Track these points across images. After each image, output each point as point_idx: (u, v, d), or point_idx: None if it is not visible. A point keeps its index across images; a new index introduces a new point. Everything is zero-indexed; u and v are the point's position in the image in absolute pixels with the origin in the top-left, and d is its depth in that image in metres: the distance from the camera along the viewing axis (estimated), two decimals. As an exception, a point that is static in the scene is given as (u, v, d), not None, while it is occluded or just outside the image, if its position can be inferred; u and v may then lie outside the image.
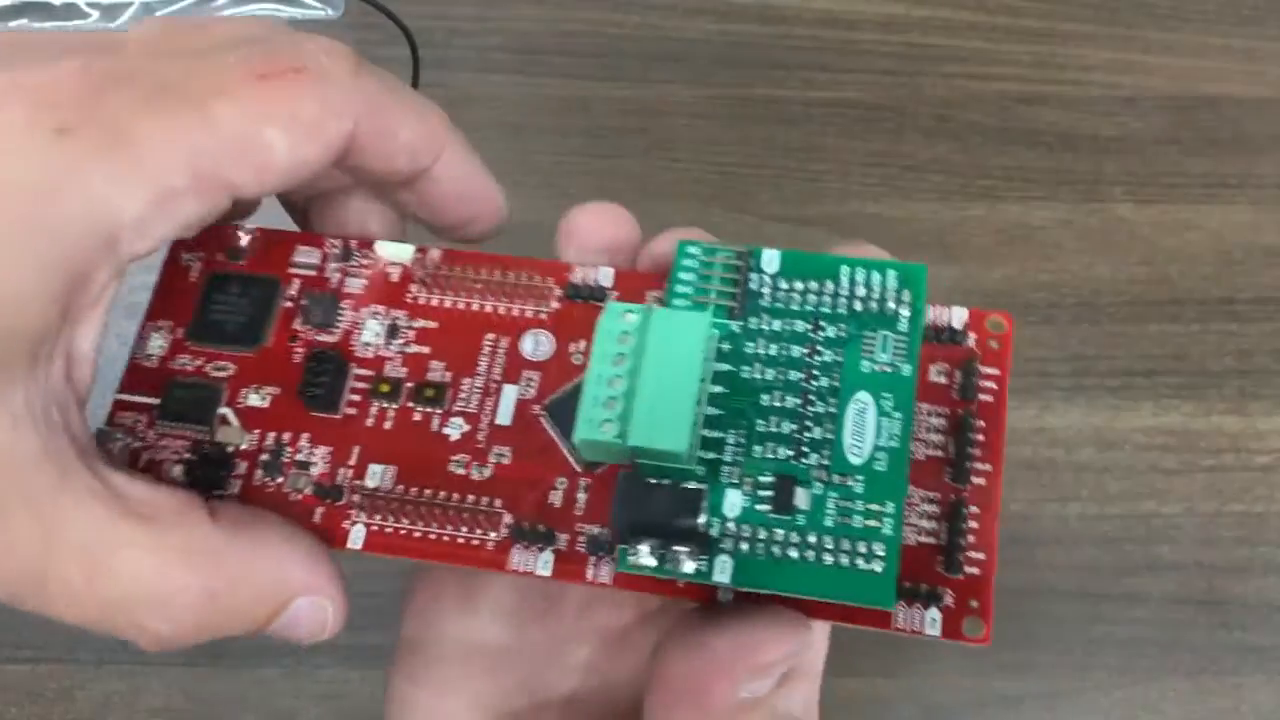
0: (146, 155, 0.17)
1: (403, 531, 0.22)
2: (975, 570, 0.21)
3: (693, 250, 0.22)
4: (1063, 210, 0.42)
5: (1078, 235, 0.41)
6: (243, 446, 0.22)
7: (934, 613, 0.20)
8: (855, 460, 0.21)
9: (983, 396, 0.21)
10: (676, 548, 0.20)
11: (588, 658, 0.27)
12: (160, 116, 0.17)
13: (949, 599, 0.21)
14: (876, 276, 0.22)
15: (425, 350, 0.23)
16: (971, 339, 0.22)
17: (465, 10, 0.43)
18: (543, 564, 0.21)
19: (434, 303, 0.23)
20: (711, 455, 0.21)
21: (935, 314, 0.22)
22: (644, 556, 0.20)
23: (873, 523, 0.20)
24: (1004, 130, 0.42)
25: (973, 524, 0.21)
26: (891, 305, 0.21)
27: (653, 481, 0.20)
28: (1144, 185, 0.42)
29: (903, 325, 0.21)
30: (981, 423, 0.21)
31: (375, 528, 0.22)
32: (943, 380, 0.22)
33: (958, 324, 0.22)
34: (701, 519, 0.20)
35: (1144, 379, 0.40)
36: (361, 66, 0.20)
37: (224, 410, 0.22)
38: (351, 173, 0.21)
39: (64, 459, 0.18)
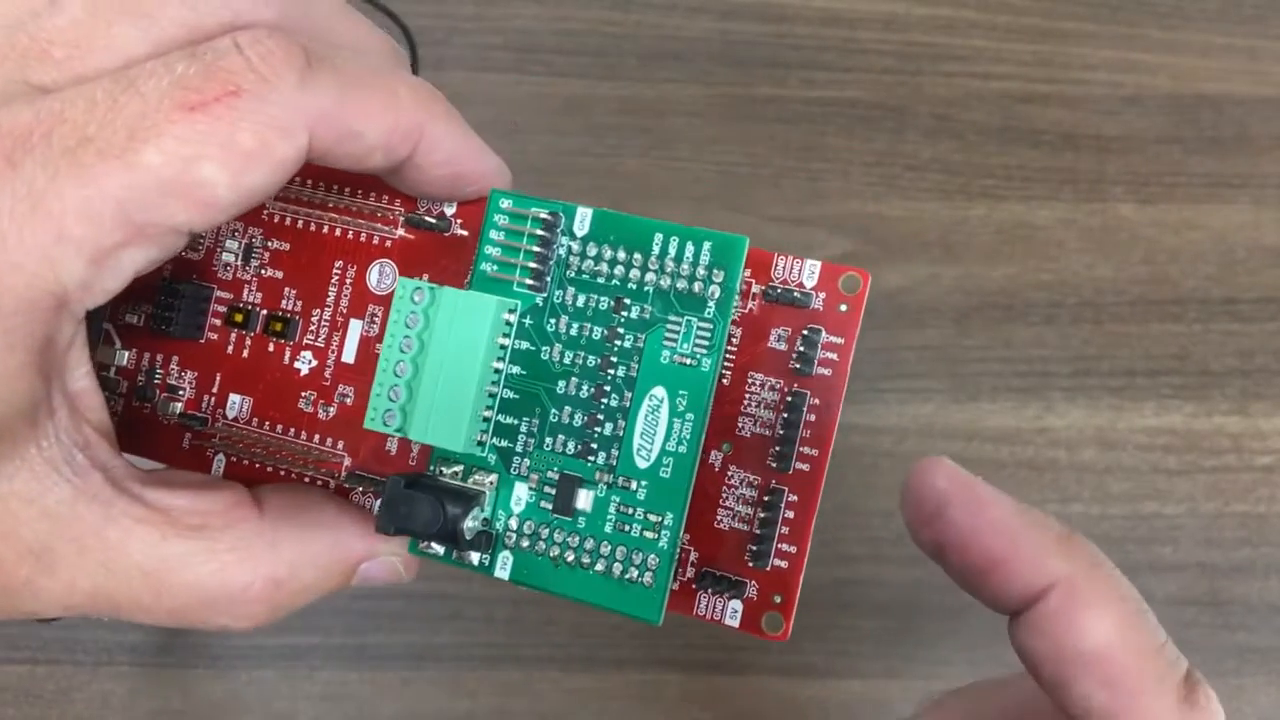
0: (71, 223, 0.16)
1: (257, 465, 0.22)
2: (783, 564, 0.20)
3: (505, 204, 0.21)
4: (1064, 210, 0.41)
5: (1079, 235, 0.41)
6: (121, 364, 0.23)
7: (735, 604, 0.20)
8: (641, 464, 0.20)
9: (821, 370, 0.20)
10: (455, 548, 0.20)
11: None
12: (81, 176, 0.16)
13: (752, 591, 0.20)
14: (690, 248, 0.20)
15: (279, 275, 0.22)
16: (820, 300, 0.20)
17: (464, 9, 0.43)
18: (377, 508, 0.21)
19: (288, 221, 0.22)
20: (504, 443, 0.21)
21: (785, 267, 0.20)
22: (433, 546, 0.21)
23: (650, 534, 0.20)
24: (1005, 129, 0.42)
25: (789, 513, 0.20)
26: (700, 285, 0.20)
27: (422, 487, 0.20)
28: (1146, 185, 0.42)
29: (709, 310, 0.20)
30: (816, 401, 0.20)
31: (234, 459, 0.22)
32: (782, 347, 0.20)
33: (808, 281, 0.20)
34: (469, 524, 0.20)
35: (1146, 379, 0.40)
36: (311, 68, 0.18)
37: (106, 325, 0.23)
38: (320, 165, 0.20)
39: (102, 495, 0.18)
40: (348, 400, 0.22)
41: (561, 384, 0.20)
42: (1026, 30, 0.43)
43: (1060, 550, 0.18)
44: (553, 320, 0.21)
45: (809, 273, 0.20)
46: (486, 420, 0.20)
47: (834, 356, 0.20)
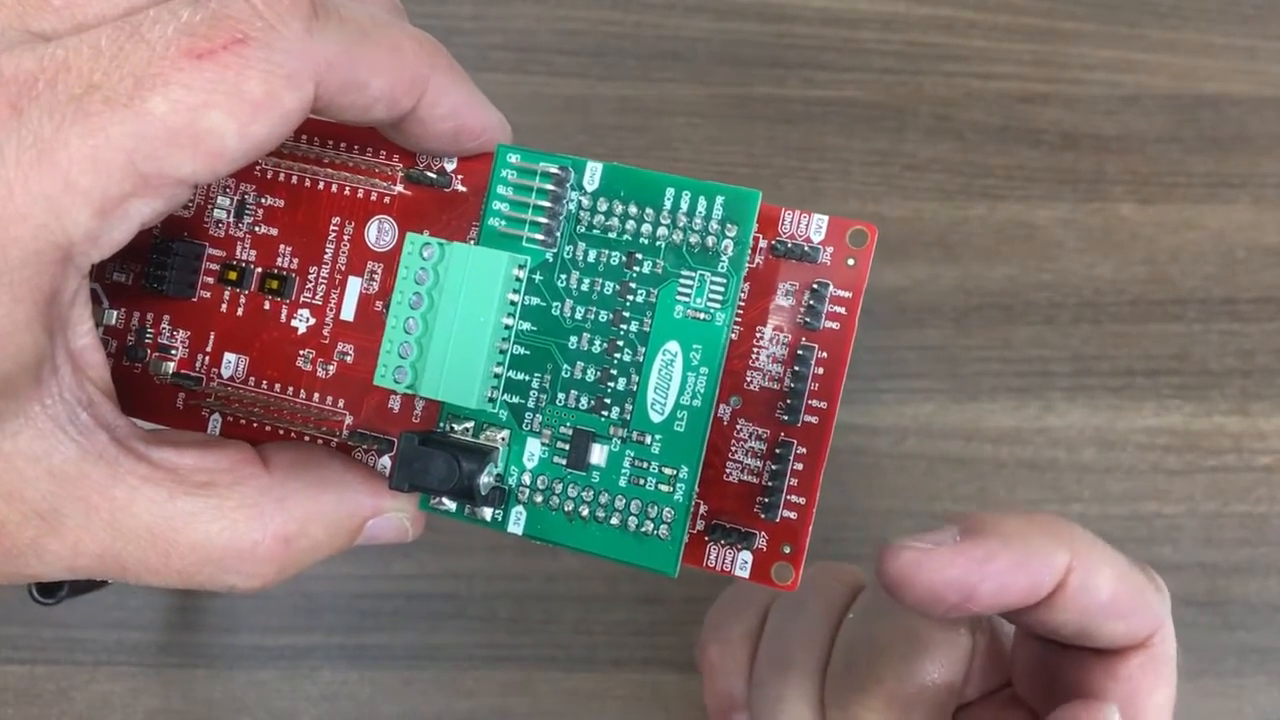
0: (78, 173, 0.16)
1: (255, 424, 0.22)
2: (792, 515, 0.20)
3: (512, 158, 0.21)
4: (1064, 209, 0.41)
5: (1079, 235, 0.41)
6: (110, 323, 0.22)
7: (745, 555, 0.20)
8: (655, 418, 0.20)
9: (829, 324, 0.20)
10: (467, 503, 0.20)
11: None
12: (88, 124, 0.16)
13: (762, 542, 0.20)
14: (702, 203, 0.20)
15: (273, 232, 0.22)
16: (828, 254, 0.20)
17: (464, 9, 0.43)
18: (380, 466, 0.22)
19: (281, 176, 0.22)
20: (516, 399, 0.21)
21: (792, 222, 0.20)
22: (445, 502, 0.21)
23: (665, 487, 0.20)
24: (1005, 129, 0.42)
25: (798, 465, 0.20)
26: (713, 240, 0.20)
27: (435, 444, 0.20)
28: (1146, 184, 0.42)
29: (723, 265, 0.20)
30: (824, 355, 0.20)
31: (230, 418, 0.22)
32: (790, 303, 0.20)
33: (816, 236, 0.20)
34: (484, 479, 0.20)
35: (1146, 379, 0.40)
36: (318, 17, 0.17)
37: (93, 284, 0.22)
38: (322, 117, 0.20)
39: (107, 454, 0.18)
40: (348, 358, 0.22)
41: (573, 339, 0.20)
42: (1026, 30, 0.43)
43: (1057, 542, 0.21)
44: (564, 276, 0.20)
45: (816, 227, 0.20)
46: (497, 377, 0.20)
47: (842, 310, 0.20)
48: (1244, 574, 0.39)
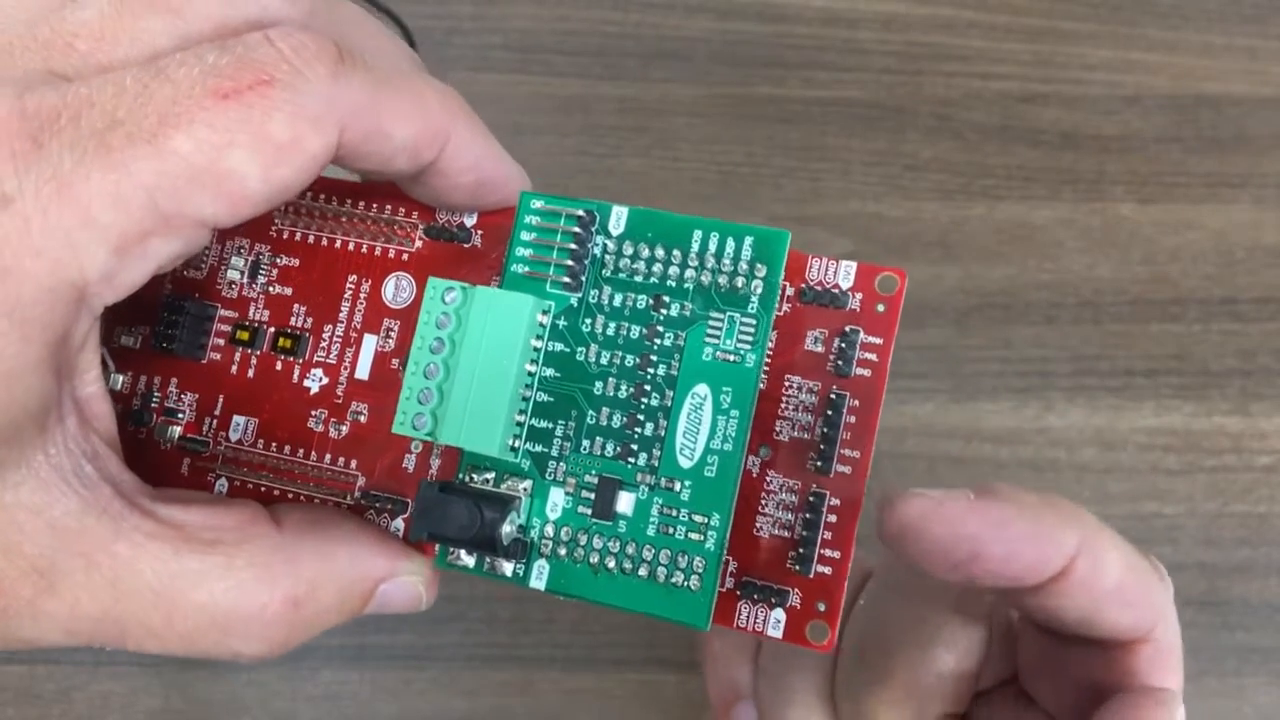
0: (98, 209, 0.16)
1: (263, 488, 0.21)
2: (827, 570, 0.19)
3: (536, 205, 0.20)
4: (1064, 210, 0.41)
5: (1079, 235, 0.41)
6: (115, 388, 0.22)
7: (778, 613, 0.19)
8: (685, 463, 0.19)
9: (860, 371, 0.19)
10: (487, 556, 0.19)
11: None
12: (110, 160, 0.16)
13: (795, 599, 0.19)
14: (730, 244, 0.19)
15: (288, 292, 0.22)
16: (857, 300, 0.20)
17: (464, 9, 0.43)
18: (394, 529, 0.21)
19: (297, 236, 0.22)
20: (539, 448, 0.20)
21: (820, 269, 0.20)
22: (463, 557, 0.20)
23: (695, 535, 0.19)
24: (1005, 129, 0.42)
25: (831, 518, 0.19)
26: (742, 280, 0.19)
27: (455, 491, 0.19)
28: (1146, 184, 0.42)
29: (753, 306, 0.19)
30: (855, 402, 0.19)
31: (238, 482, 0.22)
32: (819, 349, 0.20)
33: (844, 282, 0.20)
34: (507, 529, 0.19)
35: (1145, 379, 0.40)
36: (344, 64, 0.17)
37: (101, 348, 0.22)
38: (344, 167, 0.19)
39: (111, 509, 0.18)
40: (361, 418, 0.21)
41: (599, 385, 0.20)
42: (1026, 30, 0.43)
43: (1067, 524, 0.20)
44: (588, 320, 0.20)
45: (844, 273, 0.20)
46: (520, 424, 0.20)
47: (873, 357, 0.20)
48: (1244, 574, 0.39)
